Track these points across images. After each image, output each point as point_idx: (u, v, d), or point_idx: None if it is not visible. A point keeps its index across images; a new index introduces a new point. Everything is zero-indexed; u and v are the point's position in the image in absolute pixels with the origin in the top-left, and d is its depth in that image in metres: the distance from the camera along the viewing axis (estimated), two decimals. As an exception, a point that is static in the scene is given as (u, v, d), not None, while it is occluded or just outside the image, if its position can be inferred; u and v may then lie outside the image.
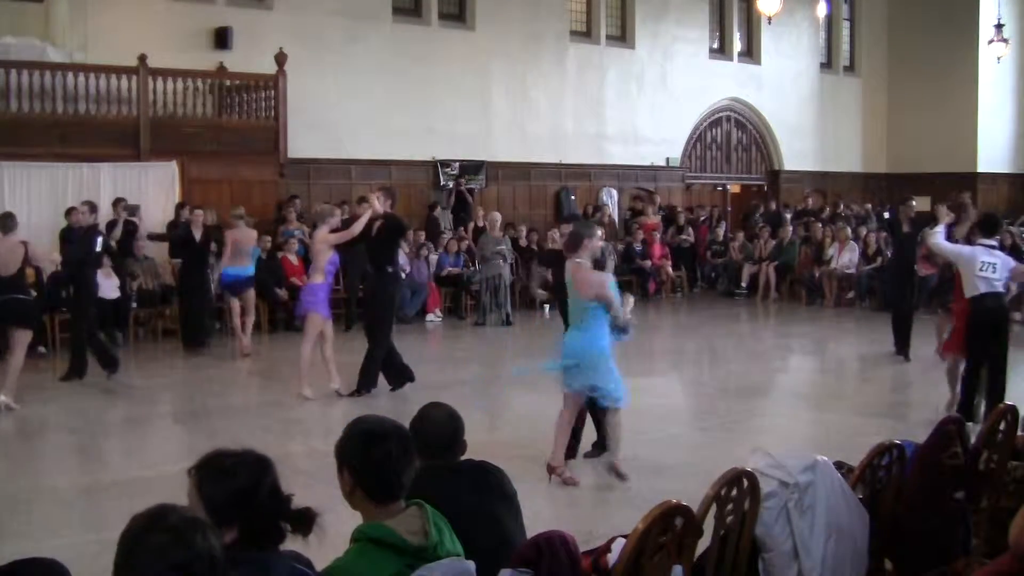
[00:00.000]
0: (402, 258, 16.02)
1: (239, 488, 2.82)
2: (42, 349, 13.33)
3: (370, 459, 3.12)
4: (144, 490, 7.22)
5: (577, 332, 7.28)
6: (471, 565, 3.04)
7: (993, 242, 9.30)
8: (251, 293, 13.72)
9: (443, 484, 3.67)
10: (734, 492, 3.93)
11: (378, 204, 10.61)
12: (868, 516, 4.44)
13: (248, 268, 13.63)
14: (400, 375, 10.74)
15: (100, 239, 11.81)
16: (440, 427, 3.94)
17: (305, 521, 2.89)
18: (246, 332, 13.53)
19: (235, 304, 13.70)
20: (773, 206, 22.98)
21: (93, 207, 11.89)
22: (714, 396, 11.51)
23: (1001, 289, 9.10)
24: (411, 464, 3.19)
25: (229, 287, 13.69)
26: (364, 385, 10.61)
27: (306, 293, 10.79)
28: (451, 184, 19.18)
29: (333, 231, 10.66)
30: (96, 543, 5.99)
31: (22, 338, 10.37)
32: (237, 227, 13.55)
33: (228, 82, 16.52)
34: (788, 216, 21.30)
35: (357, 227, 10.54)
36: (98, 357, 11.48)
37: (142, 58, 14.91)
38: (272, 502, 2.86)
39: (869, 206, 22.83)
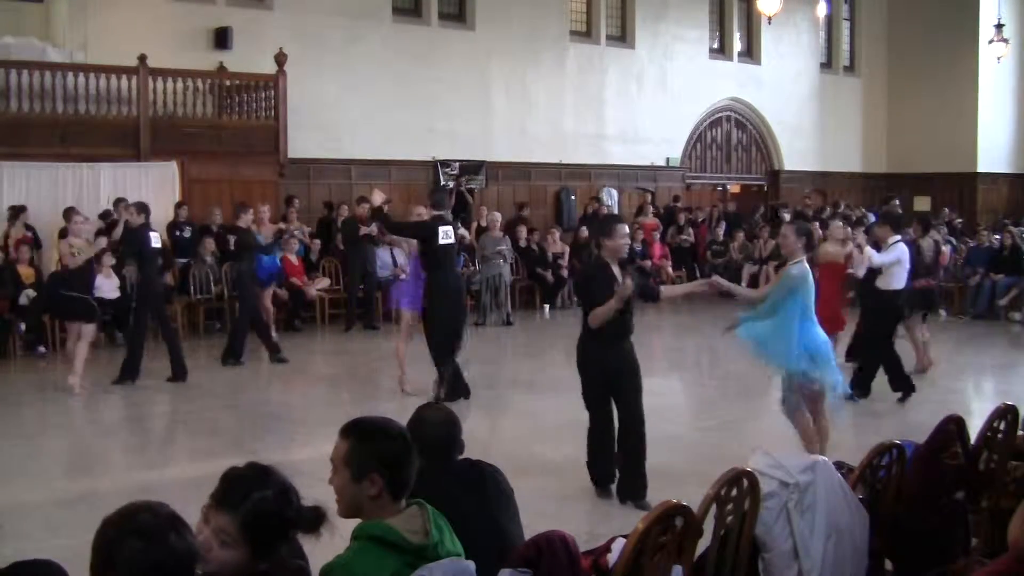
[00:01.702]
0: (401, 258, 16.02)
1: (282, 520, 2.81)
2: (42, 349, 13.35)
3: (403, 459, 3.15)
4: (145, 491, 7.23)
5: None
6: (471, 565, 3.05)
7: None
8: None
9: (441, 484, 3.68)
10: (734, 492, 3.93)
11: (424, 211, 10.61)
12: (868, 516, 4.44)
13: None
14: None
15: (154, 234, 11.68)
16: (437, 429, 3.95)
17: (315, 522, 2.90)
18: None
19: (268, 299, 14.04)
20: (761, 210, 23.14)
21: (141, 207, 11.55)
22: (714, 396, 11.51)
23: None
24: (410, 465, 3.21)
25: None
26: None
27: (394, 290, 11.16)
28: (451, 184, 19.18)
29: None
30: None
31: (85, 332, 11.05)
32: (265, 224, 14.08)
33: (228, 82, 16.52)
34: (786, 217, 21.28)
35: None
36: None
37: (142, 58, 14.90)
38: (298, 518, 2.86)
39: (863, 210, 22.85)
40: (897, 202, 18.94)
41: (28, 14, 16.08)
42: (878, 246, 10.78)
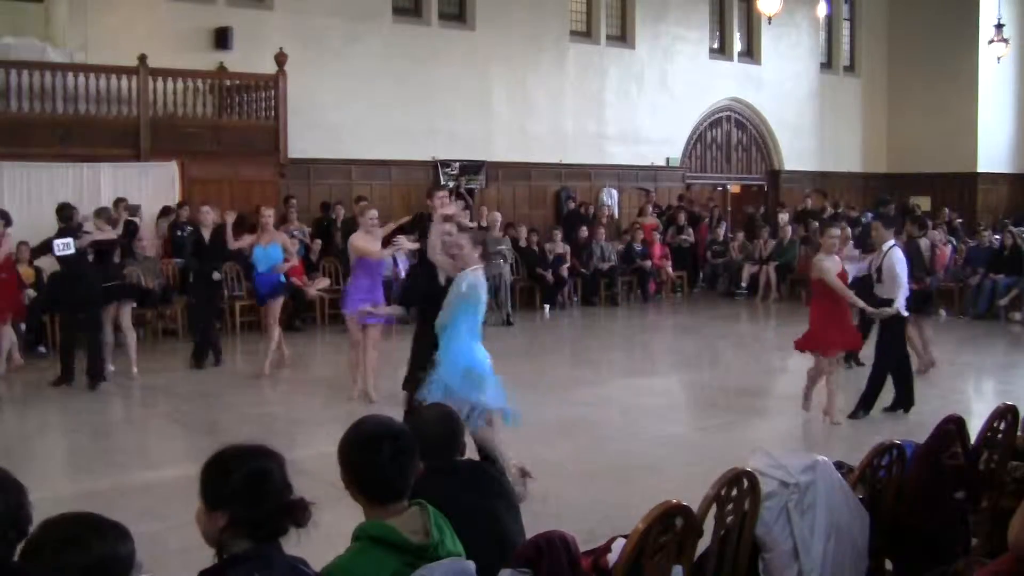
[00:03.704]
0: (403, 260, 16.00)
1: (258, 470, 2.87)
2: (42, 349, 13.35)
3: (366, 460, 3.14)
4: (143, 491, 7.24)
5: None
6: (471, 565, 3.05)
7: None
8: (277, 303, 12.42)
9: (442, 484, 3.68)
10: (734, 492, 3.93)
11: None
12: (868, 516, 4.44)
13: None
14: None
15: (55, 243, 11.19)
16: (437, 427, 3.95)
17: (300, 511, 2.90)
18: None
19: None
20: (762, 210, 23.19)
21: (61, 208, 11.50)
22: (714, 396, 11.51)
23: None
24: (411, 464, 3.20)
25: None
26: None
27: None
28: (451, 184, 19.17)
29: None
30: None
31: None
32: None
33: (228, 82, 16.51)
34: (785, 217, 21.28)
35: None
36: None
37: (142, 58, 14.90)
38: (284, 490, 2.88)
39: (855, 213, 22.84)
40: (892, 206, 18.83)
41: (28, 14, 16.08)
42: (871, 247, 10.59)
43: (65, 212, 11.42)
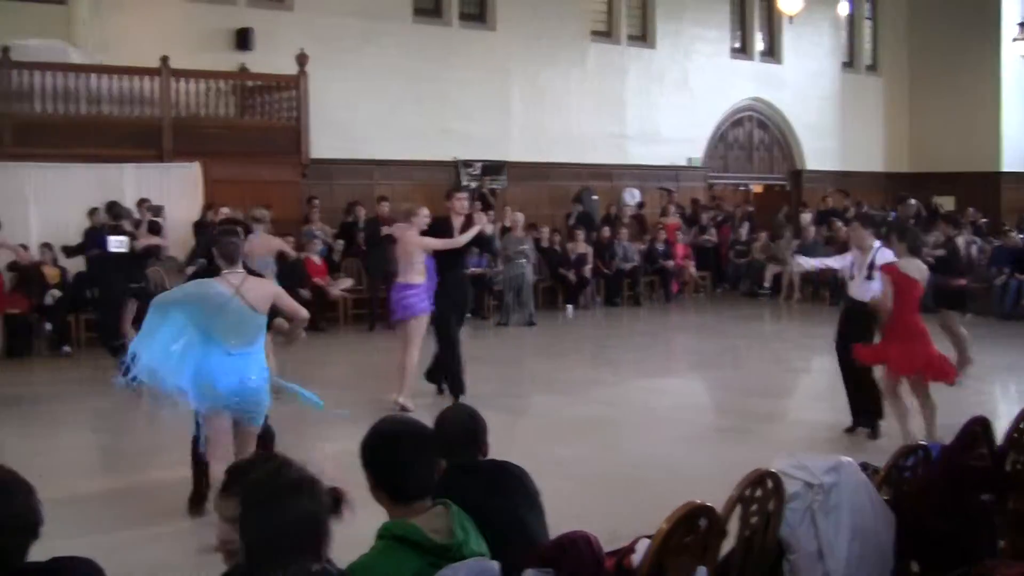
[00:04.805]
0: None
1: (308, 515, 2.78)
2: (67, 348, 13.41)
3: (386, 460, 3.17)
4: (158, 491, 7.25)
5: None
6: (495, 565, 3.04)
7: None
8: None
9: (465, 484, 3.67)
10: (758, 493, 3.91)
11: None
12: (893, 517, 4.41)
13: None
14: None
15: (111, 239, 11.44)
16: (459, 427, 3.95)
17: (336, 503, 2.91)
18: None
19: None
20: (785, 209, 23.08)
21: (107, 208, 11.78)
22: (737, 397, 11.46)
23: None
24: (431, 464, 3.21)
25: None
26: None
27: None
28: (473, 185, 19.17)
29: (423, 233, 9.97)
30: (107, 544, 5.98)
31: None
32: (253, 232, 10.81)
33: (250, 83, 16.59)
34: (807, 217, 21.18)
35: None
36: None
37: (164, 59, 14.97)
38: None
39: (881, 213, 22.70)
40: (913, 201, 18.78)
41: (50, 16, 16.14)
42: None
43: (115, 210, 11.54)
